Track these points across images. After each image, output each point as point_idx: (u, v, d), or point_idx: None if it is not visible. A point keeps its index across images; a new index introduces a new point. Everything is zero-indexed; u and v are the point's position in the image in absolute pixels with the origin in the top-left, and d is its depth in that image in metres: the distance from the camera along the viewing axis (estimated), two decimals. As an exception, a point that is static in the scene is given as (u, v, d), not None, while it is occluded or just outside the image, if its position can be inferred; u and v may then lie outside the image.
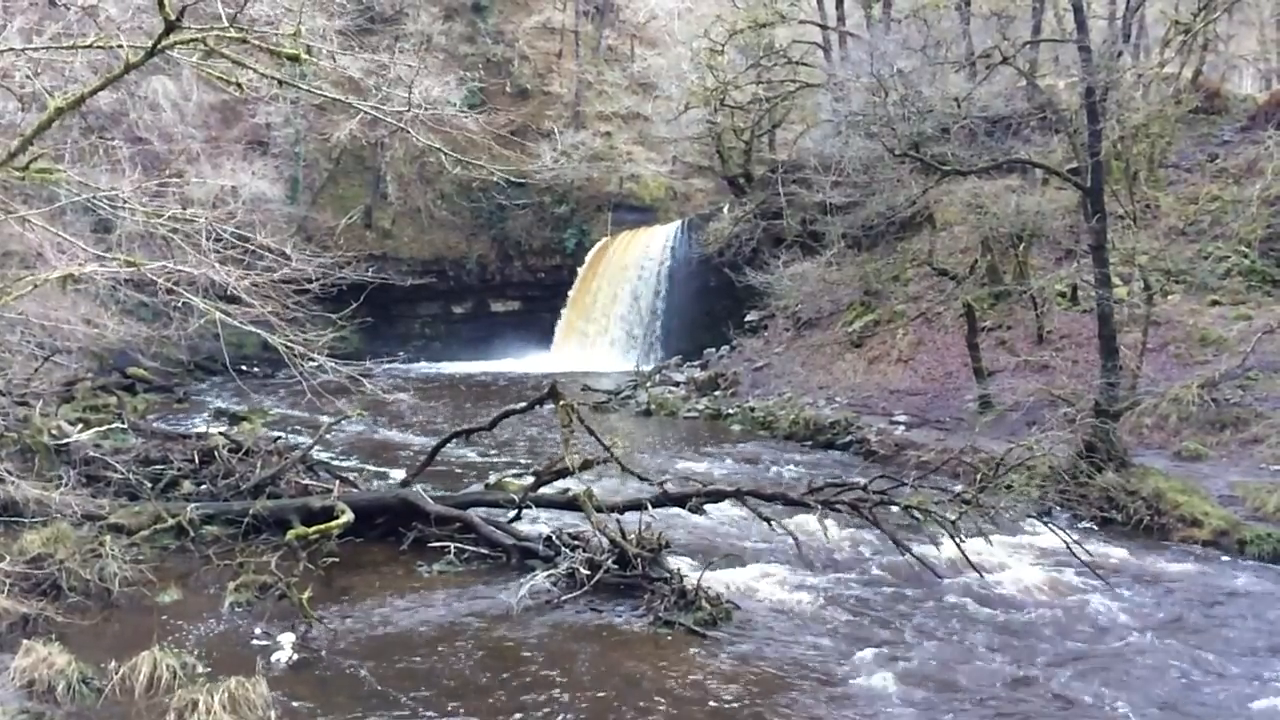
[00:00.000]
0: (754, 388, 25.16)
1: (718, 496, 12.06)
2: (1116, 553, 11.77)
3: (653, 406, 24.54)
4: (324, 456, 15.78)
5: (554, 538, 11.00)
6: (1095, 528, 12.83)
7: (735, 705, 7.74)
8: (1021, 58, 19.10)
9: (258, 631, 9.04)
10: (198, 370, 30.44)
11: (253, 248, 10.30)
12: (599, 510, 11.04)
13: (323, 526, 11.01)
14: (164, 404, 25.12)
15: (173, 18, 7.51)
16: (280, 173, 35.52)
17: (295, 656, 8.48)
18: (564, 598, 9.84)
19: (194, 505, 11.91)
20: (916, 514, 11.10)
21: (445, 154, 10.57)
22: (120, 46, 7.89)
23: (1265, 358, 17.05)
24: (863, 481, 11.93)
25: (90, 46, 8.53)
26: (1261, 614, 9.91)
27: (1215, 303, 20.05)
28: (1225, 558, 11.81)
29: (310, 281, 10.85)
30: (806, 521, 11.76)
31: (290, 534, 10.87)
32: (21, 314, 12.74)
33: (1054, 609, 9.93)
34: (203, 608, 9.66)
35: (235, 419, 21.41)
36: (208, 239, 9.58)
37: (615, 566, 10.23)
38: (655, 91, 39.18)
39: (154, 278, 9.38)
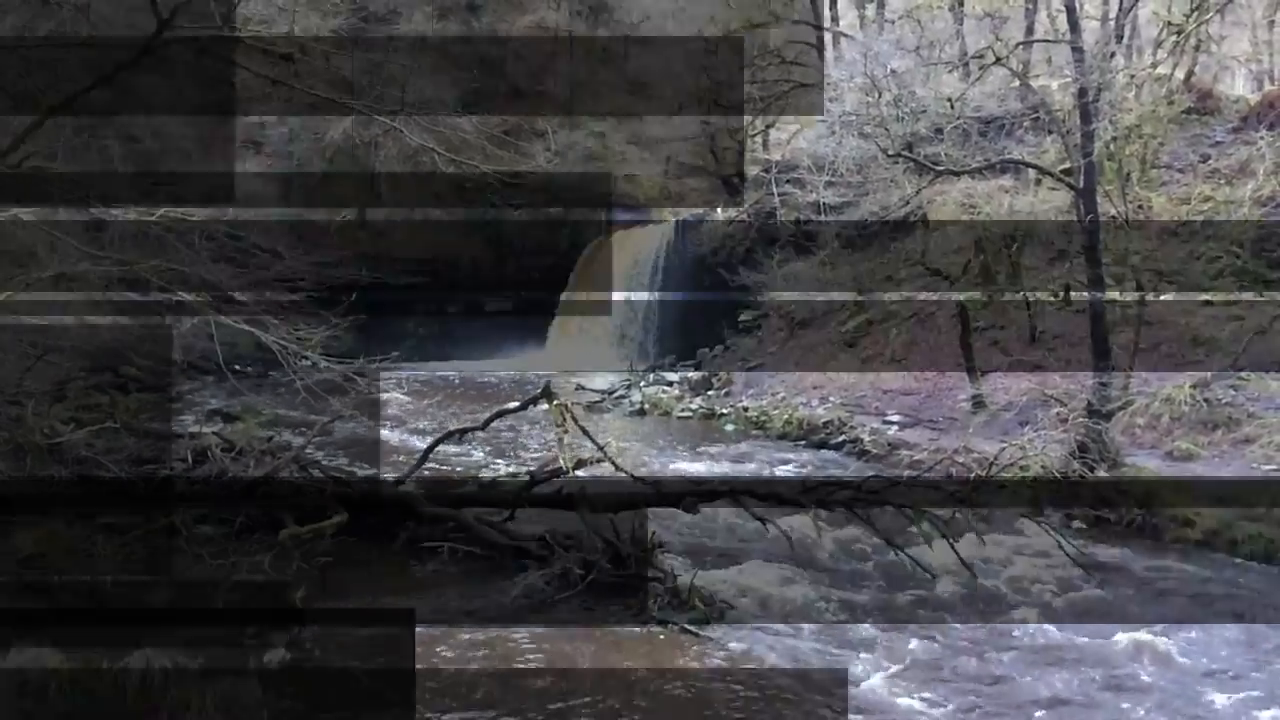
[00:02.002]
0: (747, 387, 25.13)
1: (711, 496, 12.04)
2: (1109, 552, 11.80)
3: (646, 406, 24.49)
4: (317, 456, 15.72)
5: (547, 537, 10.98)
6: (1087, 527, 12.85)
7: (729, 704, 7.75)
8: (1015, 58, 19.16)
9: (250, 631, 9.01)
10: (191, 369, 30.27)
11: (246, 246, 10.28)
12: (592, 510, 11.03)
13: (316, 526, 10.98)
14: (156, 403, 25.02)
15: (165, 16, 7.49)
16: (273, 171, 35.38)
17: (288, 656, 8.47)
18: (557, 597, 9.83)
19: (187, 505, 11.87)
20: (909, 513, 11.11)
21: (439, 153, 10.54)
22: (113, 45, 7.86)
23: (1257, 358, 17.09)
24: (856, 481, 11.93)
25: (83, 45, 8.51)
26: (1253, 614, 9.94)
27: (1207, 303, 20.08)
28: (1217, 557, 11.84)
29: (303, 280, 10.84)
30: (800, 521, 11.78)
31: (283, 533, 10.85)
32: (13, 313, 12.67)
33: (1046, 608, 9.95)
34: (195, 607, 9.62)
35: (228, 418, 21.36)
36: (201, 238, 9.56)
37: (609, 566, 10.21)
38: (649, 91, 39.13)
39: (147, 276, 9.35)
